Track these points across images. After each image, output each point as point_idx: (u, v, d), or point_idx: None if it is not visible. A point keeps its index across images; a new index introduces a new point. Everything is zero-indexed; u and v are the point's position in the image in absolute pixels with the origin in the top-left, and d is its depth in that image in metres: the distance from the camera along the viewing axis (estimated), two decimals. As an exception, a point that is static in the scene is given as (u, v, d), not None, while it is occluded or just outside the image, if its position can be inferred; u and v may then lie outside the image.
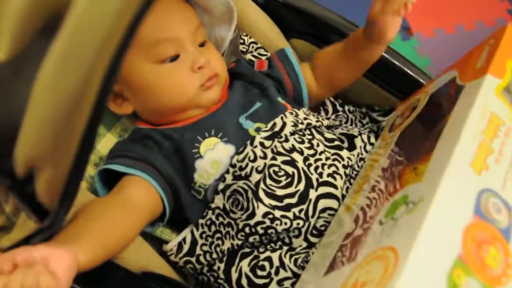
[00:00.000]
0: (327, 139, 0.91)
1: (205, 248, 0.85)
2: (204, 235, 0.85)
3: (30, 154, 0.57)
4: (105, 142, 0.97)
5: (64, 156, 0.54)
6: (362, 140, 0.95)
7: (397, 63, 1.04)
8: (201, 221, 0.86)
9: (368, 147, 0.94)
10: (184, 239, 0.86)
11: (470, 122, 0.65)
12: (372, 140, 0.95)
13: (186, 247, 0.86)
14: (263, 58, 1.07)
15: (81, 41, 0.51)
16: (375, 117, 1.08)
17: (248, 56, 1.07)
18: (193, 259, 0.85)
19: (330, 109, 1.08)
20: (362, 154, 0.93)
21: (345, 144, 0.94)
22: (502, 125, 0.67)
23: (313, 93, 1.03)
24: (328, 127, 0.96)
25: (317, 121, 0.92)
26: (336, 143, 0.92)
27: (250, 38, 1.09)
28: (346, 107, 1.10)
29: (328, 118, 1.00)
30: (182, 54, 0.90)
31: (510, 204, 0.60)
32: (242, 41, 1.08)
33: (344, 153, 0.90)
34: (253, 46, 1.08)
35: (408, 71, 1.04)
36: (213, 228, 0.85)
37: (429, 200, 0.57)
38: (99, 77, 0.48)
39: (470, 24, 1.96)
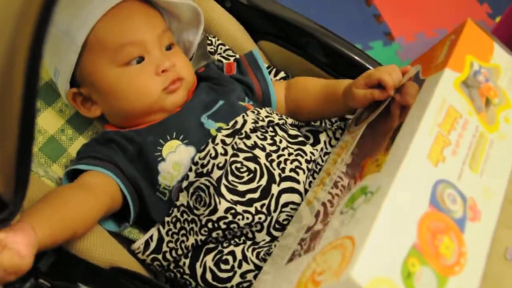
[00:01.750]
0: (290, 136, 0.92)
1: (171, 245, 0.86)
2: (170, 232, 0.86)
3: None
4: (77, 145, 0.98)
5: (6, 142, 0.54)
6: (327, 135, 0.96)
7: (360, 60, 1.05)
8: (167, 218, 0.86)
9: (333, 142, 0.96)
10: (151, 237, 0.87)
11: (427, 115, 0.66)
12: (338, 135, 0.97)
13: (153, 245, 0.86)
14: (231, 59, 1.08)
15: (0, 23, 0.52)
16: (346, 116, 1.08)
17: (216, 57, 1.08)
18: (160, 256, 0.86)
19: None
20: (326, 148, 0.94)
21: (310, 140, 0.95)
22: (460, 117, 0.68)
23: (277, 109, 1.03)
24: (294, 125, 0.97)
25: (280, 119, 0.93)
26: (300, 139, 0.93)
27: (218, 40, 1.10)
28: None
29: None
30: (147, 57, 0.91)
31: (465, 195, 0.61)
32: (209, 42, 1.09)
33: (307, 148, 0.91)
34: (221, 48, 1.10)
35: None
36: (178, 225, 0.86)
37: (386, 190, 0.58)
38: (22, 60, 0.48)
39: (451, 27, 1.96)
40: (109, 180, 0.86)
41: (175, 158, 0.88)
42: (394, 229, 0.54)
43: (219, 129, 0.89)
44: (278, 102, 1.03)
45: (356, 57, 1.05)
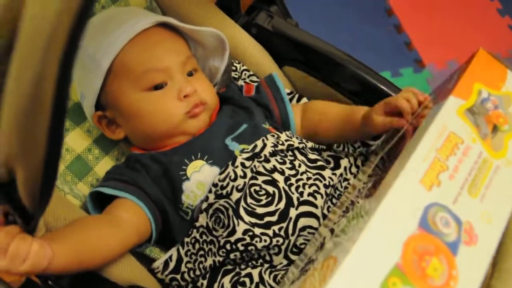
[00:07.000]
0: (310, 160, 0.94)
1: (190, 265, 0.88)
2: (189, 253, 0.88)
3: (5, 152, 0.60)
4: (103, 164, 1.02)
5: (33, 157, 0.56)
6: (349, 161, 0.97)
7: (385, 88, 1.05)
8: (186, 239, 0.89)
9: (354, 169, 0.96)
10: (170, 257, 0.89)
11: (425, 141, 0.67)
12: (358, 162, 0.98)
13: (172, 265, 0.88)
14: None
15: (32, 43, 0.54)
16: (365, 140, 1.09)
17: (241, 83, 1.11)
18: (178, 276, 0.88)
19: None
20: (346, 174, 0.95)
21: (331, 165, 0.97)
22: (461, 143, 0.69)
23: (296, 132, 1.05)
24: (314, 149, 0.98)
25: (300, 143, 0.95)
26: (320, 163, 0.94)
27: (242, 65, 1.13)
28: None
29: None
30: (170, 82, 0.94)
31: (461, 218, 0.62)
32: (234, 68, 1.11)
33: (326, 173, 0.92)
34: (245, 74, 1.12)
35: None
36: (197, 246, 0.88)
37: (373, 212, 0.59)
38: (53, 76, 0.49)
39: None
40: (138, 211, 0.87)
41: (200, 178, 0.90)
42: (376, 249, 0.56)
43: (243, 151, 0.91)
44: (296, 125, 1.04)
45: (383, 87, 1.06)
